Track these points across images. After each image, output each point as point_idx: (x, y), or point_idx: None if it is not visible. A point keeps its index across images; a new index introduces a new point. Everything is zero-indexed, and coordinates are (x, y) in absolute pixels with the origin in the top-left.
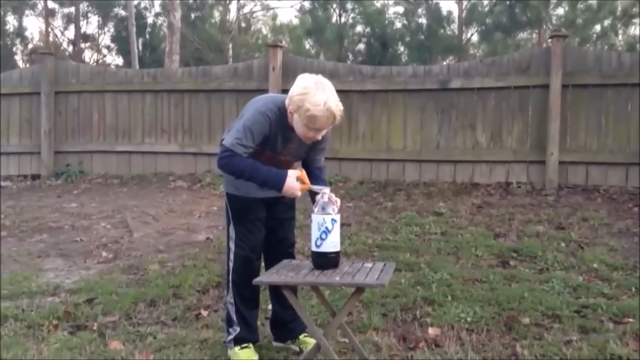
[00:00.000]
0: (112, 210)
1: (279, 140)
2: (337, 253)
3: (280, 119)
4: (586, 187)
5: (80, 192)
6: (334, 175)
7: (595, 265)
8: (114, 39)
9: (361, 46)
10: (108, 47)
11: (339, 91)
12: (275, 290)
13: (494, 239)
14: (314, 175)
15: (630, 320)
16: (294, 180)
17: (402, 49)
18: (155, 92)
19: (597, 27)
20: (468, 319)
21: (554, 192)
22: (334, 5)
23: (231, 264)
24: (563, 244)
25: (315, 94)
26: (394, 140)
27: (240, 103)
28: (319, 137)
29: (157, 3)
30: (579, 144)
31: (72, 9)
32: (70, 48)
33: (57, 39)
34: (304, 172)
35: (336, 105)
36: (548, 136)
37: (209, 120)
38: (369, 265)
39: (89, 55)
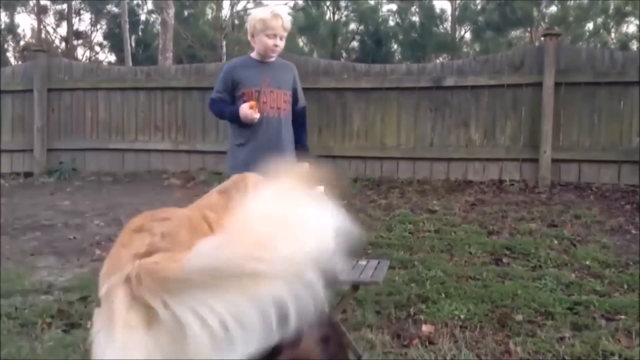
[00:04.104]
0: (106, 207)
1: (253, 74)
2: None
3: (245, 60)
4: (579, 185)
5: (74, 190)
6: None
7: (587, 262)
8: (106, 36)
9: (355, 44)
10: (101, 44)
11: (333, 89)
12: None
13: (487, 237)
14: (298, 122)
15: (623, 317)
16: (247, 108)
17: (395, 46)
18: (148, 90)
19: (590, 25)
20: (461, 316)
21: (546, 190)
22: (328, 3)
23: None
24: (556, 242)
25: (260, 9)
26: (388, 138)
27: None
28: (279, 44)
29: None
30: (571, 142)
31: (65, 6)
32: (63, 45)
33: (49, 36)
34: (256, 103)
35: (281, 10)
36: (541, 134)
37: (202, 118)
38: (363, 262)
39: (81, 53)
